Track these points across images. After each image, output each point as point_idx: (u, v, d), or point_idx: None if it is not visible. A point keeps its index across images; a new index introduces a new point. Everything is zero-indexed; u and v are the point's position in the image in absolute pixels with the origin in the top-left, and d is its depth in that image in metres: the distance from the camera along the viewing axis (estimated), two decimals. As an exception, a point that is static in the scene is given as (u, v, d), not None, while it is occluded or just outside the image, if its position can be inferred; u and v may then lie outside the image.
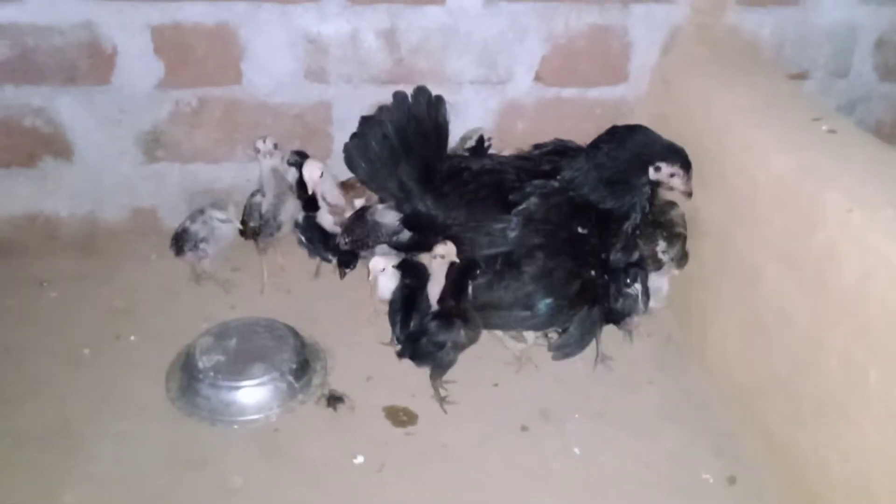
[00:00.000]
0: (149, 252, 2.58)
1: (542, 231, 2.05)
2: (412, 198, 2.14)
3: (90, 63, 2.31)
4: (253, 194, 2.39)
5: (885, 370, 1.49)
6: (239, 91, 2.42)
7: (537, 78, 2.52)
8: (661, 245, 2.18)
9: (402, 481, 1.85)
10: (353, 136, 2.14)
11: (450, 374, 2.13)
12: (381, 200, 2.25)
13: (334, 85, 2.45)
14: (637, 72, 2.52)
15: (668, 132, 2.36)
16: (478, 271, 2.01)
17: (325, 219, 2.35)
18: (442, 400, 2.06)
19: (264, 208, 2.37)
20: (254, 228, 2.36)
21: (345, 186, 2.37)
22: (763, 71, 2.44)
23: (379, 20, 2.37)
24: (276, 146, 2.33)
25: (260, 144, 2.31)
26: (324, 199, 2.30)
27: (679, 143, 2.34)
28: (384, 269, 2.16)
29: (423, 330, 2.00)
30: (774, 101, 2.17)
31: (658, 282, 2.19)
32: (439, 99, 2.15)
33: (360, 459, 1.90)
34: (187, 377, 2.05)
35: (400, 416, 2.04)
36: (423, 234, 2.17)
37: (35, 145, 2.42)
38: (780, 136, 1.96)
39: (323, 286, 2.49)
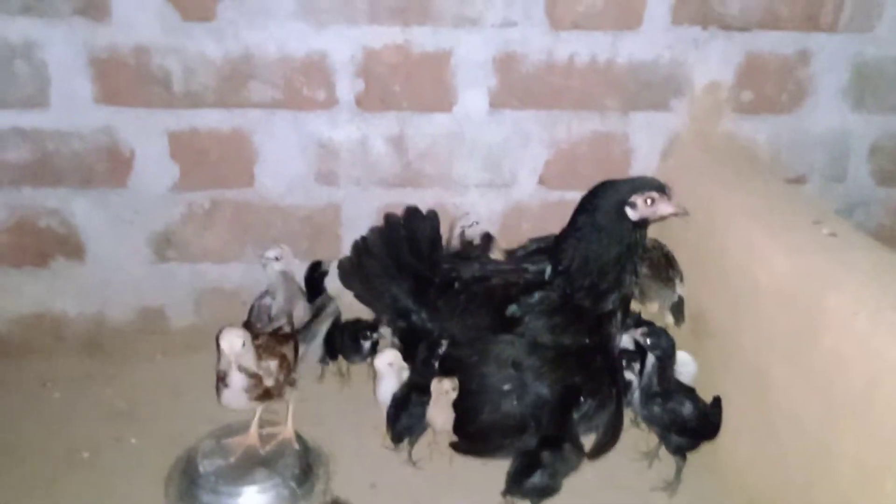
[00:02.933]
0: (154, 352, 2.58)
1: (553, 359, 2.01)
2: (407, 314, 2.16)
3: (108, 167, 2.39)
4: (261, 296, 2.40)
5: (901, 479, 1.46)
6: (251, 193, 2.48)
7: (541, 181, 2.59)
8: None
9: None
10: (347, 257, 2.21)
11: (455, 480, 2.09)
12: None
13: (343, 188, 2.51)
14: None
15: (670, 235, 2.43)
16: (581, 398, 1.99)
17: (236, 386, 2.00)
18: None
19: (274, 310, 2.37)
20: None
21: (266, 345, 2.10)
22: (761, 175, 2.50)
23: (388, 126, 2.46)
24: (279, 256, 2.35)
25: (269, 253, 2.35)
26: (240, 368, 1.95)
27: (682, 245, 2.40)
28: (391, 364, 2.15)
29: (536, 462, 1.92)
30: (774, 204, 2.22)
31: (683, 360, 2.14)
32: (433, 214, 2.21)
33: (363, 571, 1.83)
34: (187, 482, 2.01)
35: (404, 524, 1.98)
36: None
37: (48, 245, 2.46)
38: (782, 238, 1.99)
39: (327, 390, 2.47)
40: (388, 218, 2.19)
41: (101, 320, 2.56)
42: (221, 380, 1.97)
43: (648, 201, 1.96)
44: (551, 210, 2.59)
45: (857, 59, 2.54)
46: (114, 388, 2.42)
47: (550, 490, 1.95)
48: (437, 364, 2.07)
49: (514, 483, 1.96)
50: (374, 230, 2.20)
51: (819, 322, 1.73)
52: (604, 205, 2.00)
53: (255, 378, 1.98)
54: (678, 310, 2.35)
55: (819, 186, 2.68)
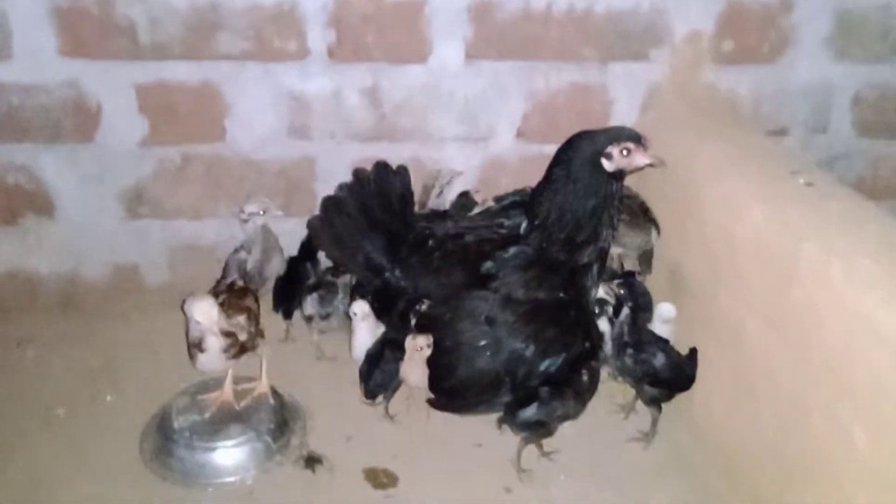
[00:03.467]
0: (130, 310, 2.56)
1: (526, 314, 1.99)
2: (380, 271, 2.13)
3: (75, 121, 2.33)
4: (236, 250, 2.37)
5: (870, 432, 1.46)
6: (222, 148, 2.43)
7: (519, 134, 2.55)
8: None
9: (381, 546, 1.79)
10: (317, 216, 2.16)
11: (432, 434, 2.10)
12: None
13: (317, 141, 2.47)
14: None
15: (650, 188, 2.40)
16: (594, 361, 2.00)
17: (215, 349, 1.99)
18: (544, 452, 2.04)
19: (250, 265, 2.35)
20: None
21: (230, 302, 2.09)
22: (742, 127, 2.47)
23: (361, 78, 2.40)
24: (263, 208, 2.33)
25: (252, 207, 2.32)
26: (215, 334, 1.96)
27: (661, 199, 2.37)
28: (366, 314, 2.14)
29: (533, 395, 1.94)
30: (753, 154, 2.19)
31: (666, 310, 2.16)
32: (403, 169, 2.16)
33: (338, 523, 1.85)
34: (162, 438, 2.01)
35: (380, 478, 1.98)
36: (393, 308, 2.13)
37: (17, 202, 2.42)
38: (758, 188, 1.97)
39: (304, 346, 2.45)
40: (357, 173, 2.14)
41: (74, 278, 2.54)
42: (196, 346, 1.97)
43: (624, 152, 1.93)
44: (530, 163, 2.54)
45: (840, 8, 2.48)
46: (89, 346, 2.41)
47: (544, 427, 1.97)
48: (413, 321, 2.06)
49: (509, 412, 1.98)
50: (343, 186, 2.15)
51: (793, 272, 1.71)
52: (579, 156, 1.96)
53: (231, 337, 1.98)
54: (646, 260, 2.34)
55: (801, 138, 2.65)
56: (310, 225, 2.20)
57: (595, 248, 2.03)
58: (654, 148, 2.38)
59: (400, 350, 2.03)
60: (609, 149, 1.93)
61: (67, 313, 2.54)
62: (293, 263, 2.43)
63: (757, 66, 2.55)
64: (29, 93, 2.29)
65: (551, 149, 2.53)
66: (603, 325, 2.16)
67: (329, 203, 2.15)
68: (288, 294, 2.41)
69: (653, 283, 2.38)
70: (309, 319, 2.39)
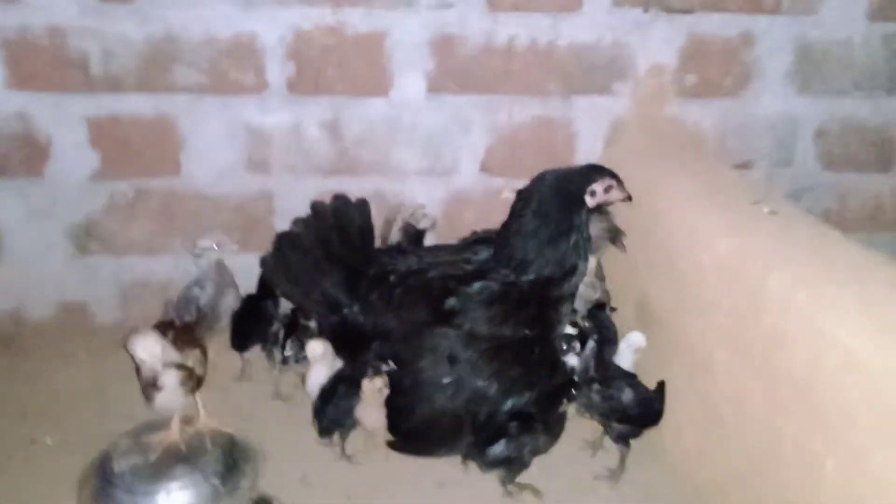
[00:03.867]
0: (77, 350, 2.44)
1: (489, 351, 1.93)
2: (338, 308, 2.05)
3: (23, 155, 2.27)
4: (189, 287, 2.29)
5: (841, 459, 1.40)
6: (177, 182, 2.38)
7: (483, 168, 2.52)
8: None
9: None
10: (272, 252, 2.09)
11: (391, 473, 2.00)
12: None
13: (276, 176, 2.42)
14: (583, 162, 2.51)
15: (615, 220, 2.37)
16: (574, 393, 1.97)
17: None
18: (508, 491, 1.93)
19: (202, 301, 2.27)
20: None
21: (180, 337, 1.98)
22: (706, 160, 2.46)
23: (322, 111, 2.37)
24: (219, 244, 2.26)
25: (205, 242, 2.25)
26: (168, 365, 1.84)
27: (628, 230, 2.34)
28: (323, 353, 2.06)
29: (501, 432, 1.88)
30: (717, 186, 2.18)
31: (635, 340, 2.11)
32: (362, 202, 2.11)
33: (286, 572, 1.72)
34: (102, 482, 1.88)
35: (334, 523, 1.87)
36: (352, 346, 2.05)
37: (-40, 239, 2.34)
38: (723, 219, 1.95)
39: (259, 386, 2.35)
40: (315, 207, 2.07)
41: (18, 317, 2.44)
42: (152, 385, 1.86)
43: (607, 189, 1.97)
44: (495, 198, 2.52)
45: (802, 42, 2.51)
46: (31, 387, 2.29)
47: (515, 462, 1.89)
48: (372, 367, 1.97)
49: (475, 450, 1.90)
50: (298, 221, 2.08)
51: (760, 301, 1.67)
52: (557, 194, 1.96)
53: (188, 370, 1.89)
54: (617, 237, 2.34)
55: (766, 172, 2.64)
56: (263, 262, 2.12)
57: (574, 280, 2.00)
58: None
59: (355, 386, 1.94)
60: (594, 186, 1.96)
61: (11, 353, 2.42)
62: (252, 300, 2.34)
63: (720, 100, 2.55)
64: (-24, 125, 2.23)
65: (516, 183, 2.52)
66: (572, 360, 2.09)
67: (283, 239, 2.08)
68: (246, 330, 2.32)
69: (620, 314, 2.33)
70: (285, 361, 2.29)
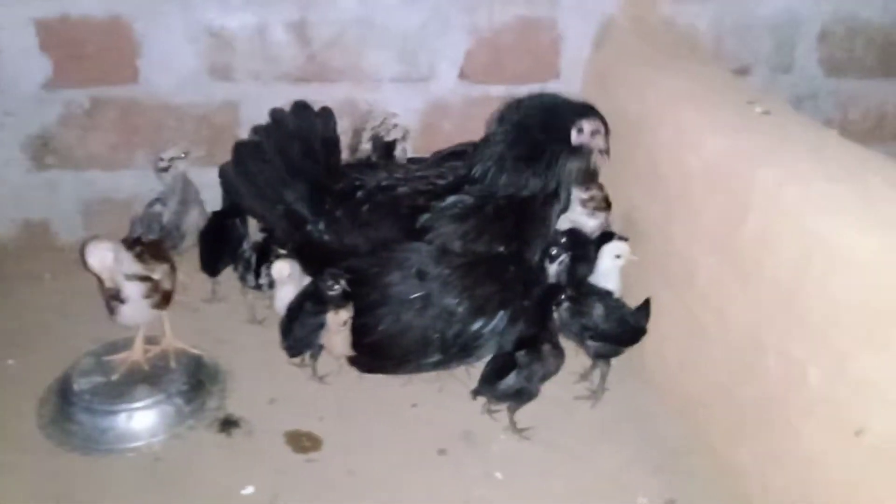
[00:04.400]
0: (42, 270, 2.36)
1: (461, 267, 1.85)
2: (302, 225, 1.95)
3: (-32, 62, 2.13)
4: (150, 203, 2.20)
5: (825, 367, 1.33)
6: (136, 90, 2.24)
7: (462, 75, 2.37)
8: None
9: (294, 514, 1.62)
10: (231, 162, 1.98)
11: (364, 394, 1.93)
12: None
13: (241, 83, 2.28)
14: (569, 67, 2.38)
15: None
16: (562, 296, 1.85)
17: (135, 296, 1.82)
18: (520, 431, 1.85)
19: (165, 218, 2.18)
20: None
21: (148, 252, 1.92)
22: (700, 63, 2.30)
23: (288, 12, 2.22)
24: (184, 154, 2.16)
25: (169, 153, 2.15)
26: (129, 277, 1.79)
27: (615, 141, 2.20)
28: (290, 274, 1.96)
29: (510, 363, 1.79)
30: (709, 87, 2.04)
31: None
32: (326, 111, 2.00)
33: (249, 490, 1.67)
34: (61, 402, 1.83)
35: (303, 442, 1.81)
36: (317, 264, 1.94)
37: None
38: (713, 119, 1.83)
39: (231, 307, 2.26)
40: (275, 114, 1.96)
41: (-22, 237, 2.34)
42: (114, 298, 1.79)
43: (594, 132, 1.88)
44: (475, 107, 2.39)
45: (805, -67, 2.33)
46: (-7, 308, 2.21)
47: (526, 394, 1.82)
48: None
49: (487, 384, 1.82)
50: (258, 129, 1.97)
51: (747, 200, 1.57)
52: (547, 115, 1.88)
53: (153, 283, 1.81)
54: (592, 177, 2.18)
55: (765, 78, 2.49)
56: (222, 173, 2.01)
57: (556, 207, 1.93)
58: (609, 85, 2.26)
59: (322, 303, 1.85)
60: (583, 123, 1.87)
61: (-27, 275, 2.34)
62: (218, 218, 2.23)
63: (717, -2, 2.38)
64: (-86, 30, 2.08)
65: (498, 90, 2.39)
66: (552, 270, 1.99)
67: (242, 148, 1.96)
68: (215, 252, 2.21)
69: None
70: (258, 287, 2.18)
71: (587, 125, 1.87)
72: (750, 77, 2.49)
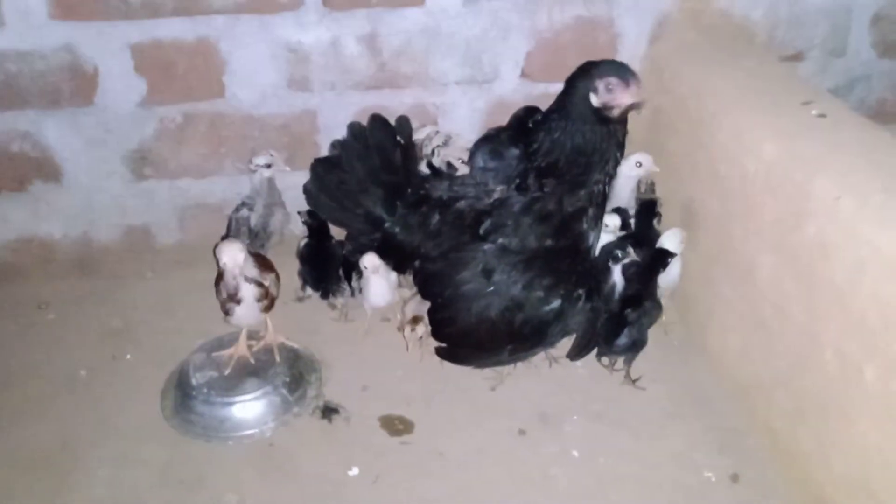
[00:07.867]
0: (144, 269, 2.59)
1: (520, 262, 1.97)
2: (381, 224, 2.10)
3: (73, 85, 2.31)
4: (237, 209, 2.38)
5: (880, 367, 1.44)
6: (223, 104, 2.41)
7: (524, 74, 2.48)
8: None
9: (396, 492, 1.83)
10: (311, 179, 2.12)
11: (446, 380, 2.12)
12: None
13: (318, 93, 2.43)
14: (627, 63, 2.45)
15: (662, 125, 2.35)
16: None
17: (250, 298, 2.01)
18: (633, 382, 2.12)
19: (253, 221, 2.36)
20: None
21: (257, 261, 2.07)
22: (756, 55, 2.37)
23: (359, 26, 2.34)
24: (271, 161, 2.33)
25: (259, 160, 2.32)
26: (248, 279, 1.97)
27: (674, 135, 2.30)
28: (379, 266, 2.14)
29: (622, 322, 2.04)
30: (766, 85, 2.11)
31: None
32: (403, 120, 2.10)
33: (354, 471, 1.88)
34: (181, 395, 2.05)
35: (395, 425, 2.01)
36: (397, 260, 2.14)
37: (23, 170, 2.42)
38: (769, 122, 1.91)
39: (319, 303, 2.43)
40: (353, 128, 2.07)
41: (87, 241, 2.56)
42: (231, 298, 1.97)
43: (609, 87, 1.80)
44: (536, 104, 2.48)
45: (857, -81, 2.36)
46: (107, 306, 2.44)
47: (640, 343, 2.07)
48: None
49: (606, 345, 2.09)
50: (336, 144, 2.10)
51: (804, 208, 1.67)
52: (572, 88, 1.87)
53: (264, 289, 2.00)
54: None
55: (818, 62, 2.55)
56: (305, 191, 2.14)
57: (586, 192, 1.95)
58: (667, 80, 2.33)
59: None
60: (596, 82, 1.81)
61: (84, 276, 2.56)
62: (314, 246, 2.35)
63: (772, -12, 2.43)
64: (25, 59, 2.26)
65: (557, 88, 2.47)
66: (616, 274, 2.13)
67: (319, 165, 2.12)
68: (323, 275, 2.36)
69: (666, 219, 2.35)
70: (352, 294, 2.36)
71: (600, 83, 1.80)
72: (804, 62, 2.54)
